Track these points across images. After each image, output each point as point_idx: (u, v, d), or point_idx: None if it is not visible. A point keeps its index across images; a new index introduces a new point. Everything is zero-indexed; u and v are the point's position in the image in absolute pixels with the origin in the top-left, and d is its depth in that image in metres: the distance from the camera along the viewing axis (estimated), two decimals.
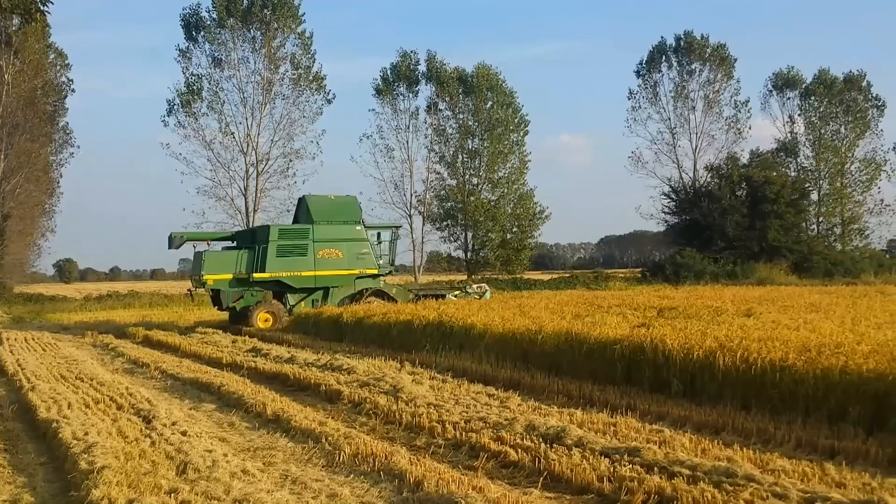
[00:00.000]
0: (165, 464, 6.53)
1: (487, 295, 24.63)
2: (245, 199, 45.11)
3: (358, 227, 22.98)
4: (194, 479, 6.06)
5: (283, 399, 9.95)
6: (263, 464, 6.83)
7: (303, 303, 22.32)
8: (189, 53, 44.77)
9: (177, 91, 44.34)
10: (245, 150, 45.16)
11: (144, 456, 6.80)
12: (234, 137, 45.01)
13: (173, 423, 8.21)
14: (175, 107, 44.26)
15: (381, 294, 23.02)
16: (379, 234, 23.85)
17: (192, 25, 44.60)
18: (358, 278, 22.83)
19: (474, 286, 26.49)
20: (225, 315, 23.50)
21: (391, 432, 8.12)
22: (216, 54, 44.78)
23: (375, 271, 23.07)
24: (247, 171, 45.21)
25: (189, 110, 44.17)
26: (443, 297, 23.39)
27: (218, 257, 22.03)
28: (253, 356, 14.89)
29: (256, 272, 21.50)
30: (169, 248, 23.18)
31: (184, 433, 7.75)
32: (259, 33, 44.68)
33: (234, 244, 23.50)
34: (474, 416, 8.16)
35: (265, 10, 44.29)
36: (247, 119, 45.21)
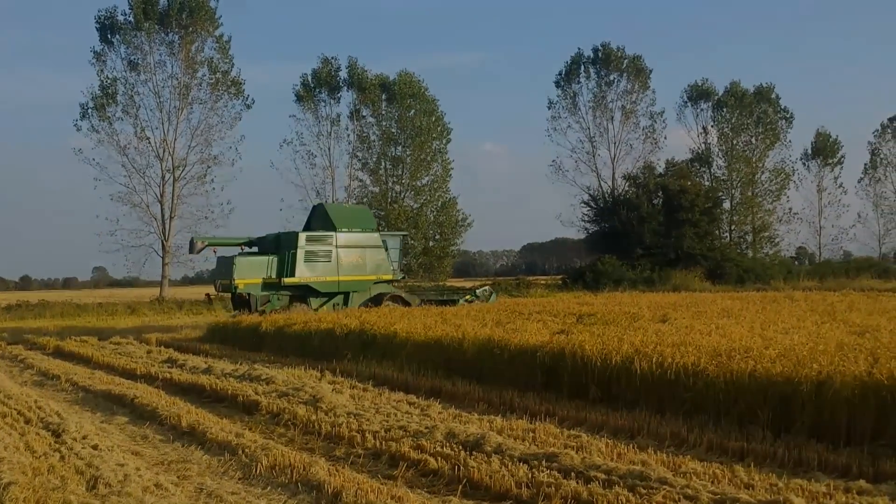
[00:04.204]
0: (75, 479, 6.34)
1: (493, 298, 25.11)
2: (161, 205, 44.16)
3: (375, 234, 23.81)
4: (105, 494, 5.89)
5: (199, 411, 9.75)
6: (178, 477, 6.68)
7: (325, 307, 22.60)
8: (104, 56, 43.68)
9: (91, 94, 43.18)
10: (161, 155, 44.26)
11: (53, 471, 6.59)
12: (149, 142, 44.12)
13: (84, 437, 7.97)
14: (89, 110, 43.10)
15: (395, 299, 23.54)
16: (385, 242, 24.03)
17: (107, 28, 43.47)
18: (375, 283, 23.48)
19: (485, 288, 27.32)
20: (132, 323, 23.17)
21: (310, 443, 8.04)
22: (132, 57, 43.81)
23: (391, 277, 23.84)
24: (163, 177, 44.29)
25: (103, 114, 43.07)
26: (454, 302, 23.93)
27: (249, 262, 22.18)
28: (168, 367, 14.54)
29: (286, 277, 21.85)
30: (190, 252, 24.10)
31: (95, 447, 7.53)
32: (176, 37, 43.84)
33: (255, 249, 23.63)
34: (395, 424, 8.13)
35: (182, 14, 43.46)
36: (163, 124, 44.36)
